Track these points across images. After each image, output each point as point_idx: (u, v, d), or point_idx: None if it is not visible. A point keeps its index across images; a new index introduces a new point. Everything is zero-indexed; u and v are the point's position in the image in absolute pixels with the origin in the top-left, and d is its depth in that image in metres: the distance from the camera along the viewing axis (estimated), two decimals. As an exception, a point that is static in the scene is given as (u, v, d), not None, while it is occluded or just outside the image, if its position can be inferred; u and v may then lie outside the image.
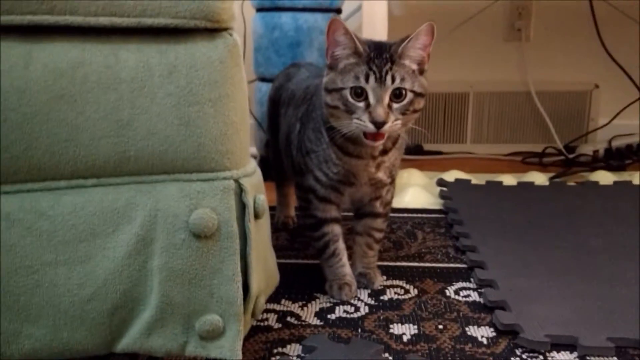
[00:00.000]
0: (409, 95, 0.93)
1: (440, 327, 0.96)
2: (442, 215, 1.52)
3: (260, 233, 0.78)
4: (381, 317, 1.00)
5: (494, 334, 0.94)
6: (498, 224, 1.40)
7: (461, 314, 1.01)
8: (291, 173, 1.18)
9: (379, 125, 0.91)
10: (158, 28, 0.66)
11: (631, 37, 2.23)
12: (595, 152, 2.16)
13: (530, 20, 2.29)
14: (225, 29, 0.70)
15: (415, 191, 1.71)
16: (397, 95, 0.92)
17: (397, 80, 0.92)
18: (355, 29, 2.05)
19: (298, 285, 1.13)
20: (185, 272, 0.69)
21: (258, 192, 0.76)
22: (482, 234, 1.32)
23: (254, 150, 2.15)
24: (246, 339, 0.90)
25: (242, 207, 0.72)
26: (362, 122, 0.92)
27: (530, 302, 1.01)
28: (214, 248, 0.69)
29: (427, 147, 2.37)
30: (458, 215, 1.45)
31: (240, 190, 0.72)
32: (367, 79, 0.91)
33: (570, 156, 2.13)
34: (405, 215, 1.54)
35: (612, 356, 0.87)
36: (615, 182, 1.75)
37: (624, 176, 1.84)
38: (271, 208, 1.51)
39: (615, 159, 2.08)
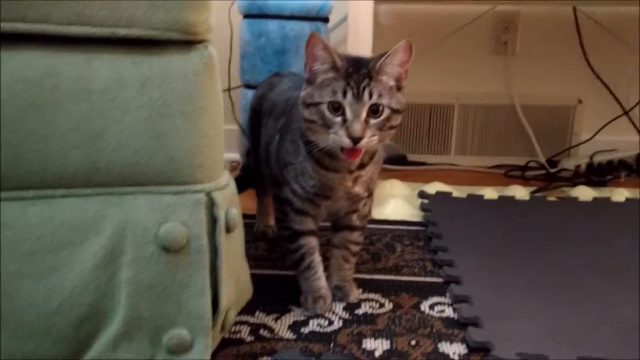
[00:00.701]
0: (386, 112, 0.93)
1: (413, 342, 0.96)
2: (422, 228, 1.52)
3: (232, 246, 0.78)
4: (354, 332, 1.00)
5: (466, 351, 0.94)
6: (477, 239, 1.40)
7: (434, 329, 1.01)
8: (270, 183, 1.17)
9: (355, 140, 0.91)
10: (132, 39, 0.66)
11: (615, 54, 2.26)
12: (577, 167, 2.18)
13: (517, 34, 2.31)
14: (201, 41, 0.70)
15: (397, 203, 1.71)
16: (374, 111, 0.92)
17: (375, 96, 0.92)
18: (341, 38, 2.05)
19: (273, 297, 1.12)
20: (153, 286, 0.68)
21: (231, 205, 0.76)
22: (460, 248, 1.33)
23: (236, 156, 2.14)
24: (217, 352, 0.90)
25: (213, 220, 0.72)
26: (338, 137, 0.92)
27: (504, 320, 1.01)
28: (183, 262, 0.69)
29: (412, 157, 2.37)
30: (437, 229, 1.46)
31: (211, 204, 0.71)
32: (344, 94, 0.91)
33: (553, 170, 2.15)
34: (386, 227, 1.54)
35: (582, 376, 0.88)
36: (595, 199, 1.77)
37: (604, 192, 1.86)
38: (252, 216, 1.51)
39: (596, 174, 2.10)
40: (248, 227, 1.48)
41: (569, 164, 2.19)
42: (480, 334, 0.96)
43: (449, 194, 1.79)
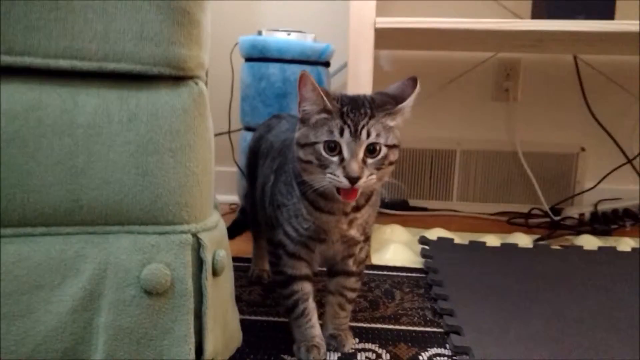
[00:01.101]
0: (384, 150, 0.91)
1: (411, 397, 0.91)
2: (423, 275, 1.48)
3: (220, 291, 0.74)
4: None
5: (467, 406, 0.89)
6: (478, 287, 1.36)
7: (434, 383, 0.96)
8: (264, 226, 1.14)
9: (353, 180, 0.88)
10: (120, 73, 0.64)
11: (617, 101, 2.25)
12: (581, 215, 2.14)
13: (518, 81, 2.31)
14: (192, 77, 0.68)
15: (397, 248, 1.67)
16: (372, 150, 0.90)
17: (373, 135, 0.89)
18: (343, 83, 2.05)
19: (266, 344, 1.07)
20: (133, 331, 0.65)
21: (219, 247, 0.73)
22: (462, 297, 1.28)
23: (236, 199, 2.12)
24: (203, 402, 0.85)
25: (199, 263, 0.69)
26: (335, 177, 0.89)
27: (507, 373, 0.96)
28: (166, 306, 0.65)
29: (413, 203, 2.35)
30: (438, 276, 1.41)
31: (198, 245, 0.68)
32: (341, 133, 0.89)
33: (556, 218, 2.11)
34: (385, 273, 1.50)
35: None
36: (600, 248, 1.72)
37: (610, 241, 1.81)
38: (248, 260, 1.48)
39: (601, 223, 2.06)
40: (243, 270, 1.45)
41: (572, 212, 2.15)
42: (482, 388, 0.91)
43: (451, 240, 1.75)
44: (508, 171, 2.33)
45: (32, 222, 0.64)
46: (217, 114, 2.22)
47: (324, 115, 0.91)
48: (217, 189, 2.41)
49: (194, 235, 0.68)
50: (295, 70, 1.87)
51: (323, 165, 0.90)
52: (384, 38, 1.90)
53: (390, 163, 0.93)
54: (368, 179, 0.90)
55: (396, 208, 2.25)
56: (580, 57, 2.23)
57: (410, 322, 1.19)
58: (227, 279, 0.78)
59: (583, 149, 2.29)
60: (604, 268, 1.53)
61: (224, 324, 0.77)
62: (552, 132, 2.32)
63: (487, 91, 2.34)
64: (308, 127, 0.93)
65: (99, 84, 0.65)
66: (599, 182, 2.24)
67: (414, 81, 0.93)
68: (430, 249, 1.64)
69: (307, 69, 1.87)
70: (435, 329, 1.16)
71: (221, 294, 0.75)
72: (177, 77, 0.67)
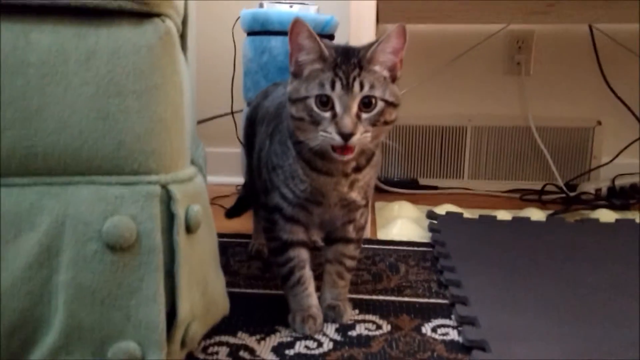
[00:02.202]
0: (380, 104, 0.84)
1: (410, 367, 0.85)
2: (430, 249, 1.41)
3: (196, 250, 0.68)
4: (345, 355, 0.89)
5: (470, 377, 0.83)
6: (487, 259, 1.29)
7: (435, 353, 0.89)
8: (260, 193, 1.08)
9: (346, 136, 0.82)
10: (76, 7, 0.58)
11: (634, 72, 2.15)
12: (598, 190, 2.05)
13: (531, 54, 2.22)
14: (158, 15, 0.62)
15: (404, 224, 1.61)
16: (367, 104, 0.84)
17: (366, 88, 0.83)
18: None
19: (260, 316, 1.02)
20: (96, 290, 0.59)
21: (193, 202, 0.67)
22: (469, 269, 1.21)
23: (241, 180, 2.07)
24: (188, 374, 0.80)
25: (170, 217, 0.63)
26: (328, 134, 0.83)
27: (514, 343, 0.89)
28: (132, 263, 0.60)
29: (423, 181, 2.28)
30: (445, 249, 1.35)
31: (168, 198, 0.63)
32: (332, 86, 0.83)
33: (572, 194, 2.03)
34: (391, 247, 1.43)
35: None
36: (617, 220, 1.64)
37: (627, 215, 1.73)
38: (249, 236, 1.42)
39: (618, 198, 1.97)
40: (244, 246, 1.40)
41: (589, 187, 2.06)
42: (486, 357, 0.85)
43: (460, 214, 1.68)
44: (521, 147, 2.24)
45: (-18, 173, 0.59)
46: (220, 92, 2.18)
47: (317, 65, 0.86)
48: (222, 170, 2.36)
49: (163, 186, 0.62)
50: (297, 43, 1.81)
51: (315, 122, 0.84)
52: (390, 10, 1.83)
53: (386, 122, 0.87)
54: (363, 136, 0.84)
55: (406, 187, 2.19)
56: (596, 26, 2.13)
57: (414, 294, 1.13)
58: (206, 238, 0.73)
59: (599, 123, 2.19)
60: (622, 240, 1.45)
61: (204, 287, 0.72)
62: (567, 106, 2.23)
63: (499, 65, 2.26)
64: (300, 81, 0.87)
65: (54, 19, 0.59)
66: (616, 156, 2.15)
67: (398, 27, 0.85)
68: (438, 223, 1.58)
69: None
70: (440, 300, 1.10)
71: (198, 253, 0.69)
72: (141, 14, 0.61)
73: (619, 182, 2.06)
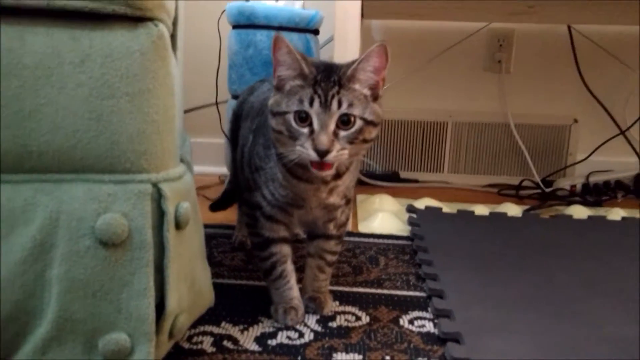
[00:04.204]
0: (359, 123, 0.85)
1: (387, 358, 0.89)
2: (409, 242, 1.46)
3: (185, 245, 0.71)
4: (325, 345, 0.93)
5: (444, 368, 0.87)
6: (464, 253, 1.33)
7: (412, 345, 0.93)
8: (243, 189, 1.11)
9: (322, 153, 0.83)
10: (71, 11, 0.60)
11: (610, 72, 2.22)
12: (573, 187, 2.11)
13: (511, 52, 2.27)
14: (151, 19, 0.64)
15: (385, 217, 1.64)
16: (345, 122, 0.84)
17: (344, 106, 0.84)
18: (332, 55, 2.01)
19: (244, 307, 1.05)
20: (88, 284, 0.62)
21: (183, 200, 0.69)
22: (446, 263, 1.26)
23: (225, 171, 2.09)
24: (174, 363, 0.83)
25: (160, 214, 0.66)
26: (304, 150, 0.84)
27: (487, 335, 0.94)
28: (124, 258, 0.62)
29: (404, 175, 2.32)
30: (424, 242, 1.39)
31: (159, 196, 0.65)
32: (311, 103, 0.84)
33: (548, 190, 2.08)
34: (371, 240, 1.47)
35: (569, 397, 0.80)
36: (590, 217, 1.70)
37: (600, 212, 1.79)
38: (234, 227, 1.45)
39: (592, 194, 2.04)
40: (228, 237, 1.43)
41: (564, 183, 2.13)
42: (460, 350, 0.89)
43: (439, 209, 1.72)
44: (500, 143, 2.29)
45: (-22, 170, 0.61)
46: (205, 83, 2.19)
47: (297, 82, 0.87)
48: (206, 160, 2.37)
49: (154, 185, 0.65)
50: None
51: (293, 137, 0.85)
52: (375, 7, 1.85)
53: (365, 140, 0.87)
54: (339, 153, 0.84)
55: (387, 180, 2.23)
56: (575, 27, 2.18)
57: (393, 286, 1.17)
58: (194, 233, 0.75)
59: (576, 121, 2.25)
60: (593, 236, 1.50)
61: (191, 280, 0.75)
62: (545, 103, 2.28)
63: (480, 62, 2.30)
64: (282, 95, 0.88)
65: (49, 22, 0.61)
66: (591, 154, 2.21)
67: (378, 47, 0.86)
68: (418, 217, 1.62)
69: (295, 36, 1.83)
70: (418, 293, 1.14)
71: (187, 249, 0.72)
72: (135, 18, 0.63)
73: (592, 179, 2.13)
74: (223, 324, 0.99)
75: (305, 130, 0.84)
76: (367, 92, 0.87)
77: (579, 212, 1.75)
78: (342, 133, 0.84)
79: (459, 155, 2.32)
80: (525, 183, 2.16)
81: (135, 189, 0.63)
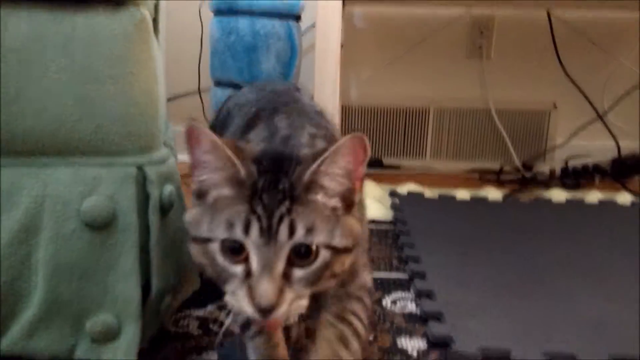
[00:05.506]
0: (323, 254, 0.56)
1: (371, 338, 0.91)
2: (392, 227, 1.48)
3: (170, 228, 0.72)
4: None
5: (426, 346, 0.89)
6: (446, 236, 1.36)
7: (395, 324, 0.95)
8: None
9: (264, 311, 0.54)
10: (53, -6, 0.60)
11: (589, 58, 2.24)
12: (552, 171, 2.15)
13: (492, 38, 2.29)
14: (133, 2, 0.64)
15: (368, 202, 1.66)
16: (302, 254, 0.55)
17: (300, 232, 0.55)
18: (311, 44, 2.01)
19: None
20: (75, 266, 0.62)
21: (167, 183, 0.70)
22: (428, 245, 1.28)
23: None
24: (160, 345, 0.84)
25: (145, 197, 0.66)
26: (236, 302, 0.56)
27: (468, 315, 0.96)
28: (110, 240, 0.63)
29: (387, 161, 2.33)
30: (406, 226, 1.41)
31: (143, 179, 0.66)
32: (247, 228, 0.54)
33: (528, 174, 2.11)
34: (354, 226, 1.48)
35: (546, 371, 0.83)
36: (568, 201, 1.73)
37: (578, 195, 1.82)
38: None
39: (570, 178, 2.07)
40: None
41: (544, 168, 2.16)
42: (441, 328, 0.91)
43: (421, 194, 1.75)
44: (481, 128, 2.31)
45: (-37, 154, 0.61)
46: (187, 70, 2.18)
47: (227, 190, 0.57)
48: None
49: (139, 168, 0.65)
50: (265, 23, 1.82)
51: (221, 278, 0.57)
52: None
53: (334, 275, 0.58)
54: (292, 307, 0.56)
55: (370, 166, 2.24)
56: (554, 13, 2.21)
57: (376, 268, 1.19)
58: (179, 216, 0.76)
59: (555, 106, 2.28)
60: (571, 219, 1.54)
61: (177, 263, 0.75)
62: (525, 89, 2.31)
63: (461, 49, 2.31)
64: (204, 207, 0.59)
65: (31, 6, 0.61)
66: (569, 138, 2.24)
67: (351, 140, 0.57)
68: (400, 202, 1.64)
69: (277, 22, 1.83)
70: (400, 275, 1.16)
71: (172, 232, 0.73)
72: (117, 1, 0.63)
73: (571, 163, 2.17)
74: (209, 307, 1.00)
75: (239, 269, 0.55)
76: (335, 203, 0.58)
77: (558, 195, 1.78)
78: (298, 273, 0.56)
79: (441, 141, 2.33)
80: (506, 168, 2.19)
81: (120, 172, 0.64)
